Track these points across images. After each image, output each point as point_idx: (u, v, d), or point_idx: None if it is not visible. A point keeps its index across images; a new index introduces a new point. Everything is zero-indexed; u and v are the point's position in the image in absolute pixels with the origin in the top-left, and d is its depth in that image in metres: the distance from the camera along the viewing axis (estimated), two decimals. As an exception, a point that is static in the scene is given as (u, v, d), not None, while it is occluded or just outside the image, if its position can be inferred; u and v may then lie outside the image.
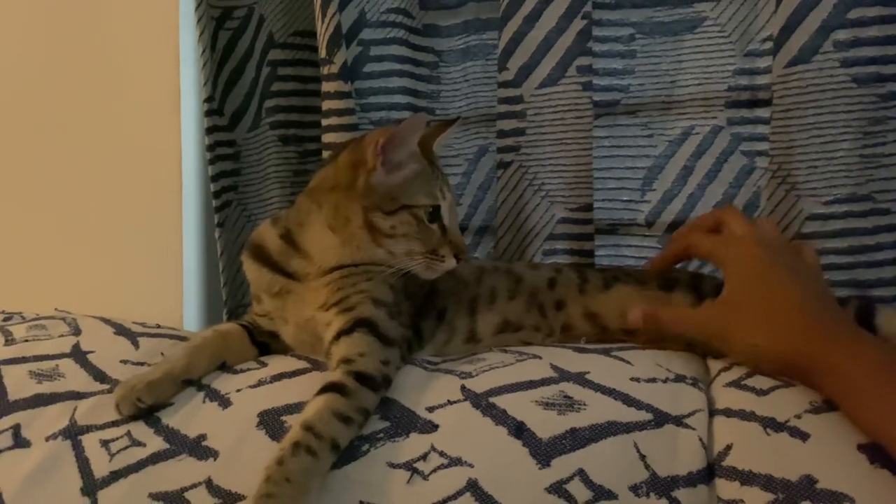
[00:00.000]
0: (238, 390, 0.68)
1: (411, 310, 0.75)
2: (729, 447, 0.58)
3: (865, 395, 0.56)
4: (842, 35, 0.79)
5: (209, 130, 1.04)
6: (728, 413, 0.60)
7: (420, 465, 0.59)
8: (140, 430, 0.66)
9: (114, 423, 0.67)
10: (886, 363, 0.57)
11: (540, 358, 0.68)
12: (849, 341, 0.60)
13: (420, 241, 0.73)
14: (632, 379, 0.64)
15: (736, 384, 0.63)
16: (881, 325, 0.72)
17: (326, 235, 0.73)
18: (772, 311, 0.64)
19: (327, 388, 0.62)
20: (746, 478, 0.55)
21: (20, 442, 0.67)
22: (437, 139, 0.80)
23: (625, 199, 0.94)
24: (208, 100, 1.04)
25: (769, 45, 0.87)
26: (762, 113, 0.88)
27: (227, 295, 1.05)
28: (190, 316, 1.04)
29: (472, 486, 0.57)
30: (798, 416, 0.58)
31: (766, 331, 0.64)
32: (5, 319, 0.86)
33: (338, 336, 0.68)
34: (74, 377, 0.73)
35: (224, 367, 0.72)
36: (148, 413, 0.67)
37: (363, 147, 0.74)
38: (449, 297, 0.78)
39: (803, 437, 0.56)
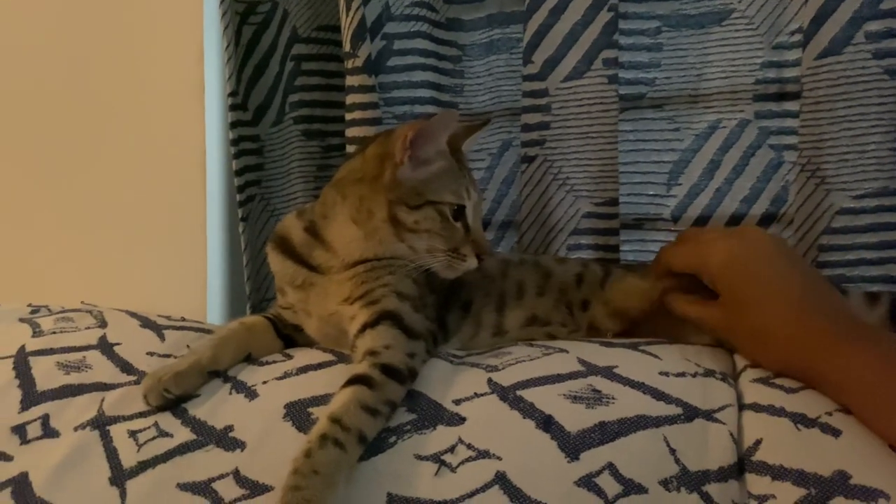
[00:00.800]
0: (264, 382, 0.68)
1: (437, 303, 0.74)
2: (759, 442, 0.57)
3: (870, 400, 0.56)
4: (874, 26, 0.77)
5: (233, 125, 1.05)
6: (757, 408, 0.60)
7: (448, 458, 0.58)
8: (167, 421, 0.66)
9: (141, 414, 0.67)
10: (883, 362, 0.56)
11: (567, 352, 0.68)
12: (844, 345, 0.59)
13: (443, 239, 0.72)
14: (660, 373, 0.64)
15: (764, 381, 0.63)
16: None
17: (350, 228, 0.73)
18: (758, 328, 0.64)
19: (354, 381, 0.62)
20: (778, 473, 0.54)
21: (49, 432, 0.67)
22: (467, 140, 0.80)
23: (650, 193, 0.94)
24: (232, 94, 1.04)
25: (798, 37, 0.86)
26: (790, 106, 0.88)
27: (250, 289, 1.05)
28: (214, 310, 1.04)
29: (501, 479, 0.56)
30: (829, 414, 0.57)
31: (759, 351, 0.65)
32: (32, 312, 0.87)
33: (363, 329, 0.68)
34: (101, 368, 0.73)
35: (250, 360, 0.72)
36: (175, 404, 0.67)
37: (392, 140, 0.73)
38: (474, 290, 0.78)
39: (835, 433, 0.56)
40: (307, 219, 0.77)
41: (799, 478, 0.53)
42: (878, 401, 0.56)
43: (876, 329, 0.67)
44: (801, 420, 0.57)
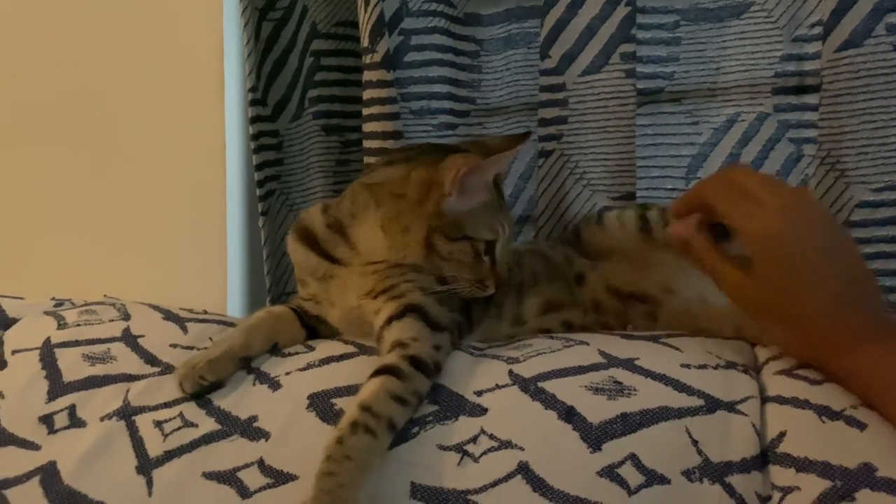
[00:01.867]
0: (287, 373, 0.69)
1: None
2: (783, 434, 0.57)
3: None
4: (895, 18, 0.77)
5: (253, 120, 1.05)
6: (781, 400, 0.60)
7: (470, 448, 0.59)
8: (192, 411, 0.67)
9: (166, 405, 0.68)
10: None
11: (587, 344, 0.68)
12: (877, 342, 0.57)
13: (470, 270, 0.74)
14: (682, 365, 0.64)
15: (787, 373, 0.63)
16: None
17: (378, 234, 0.74)
18: (794, 320, 0.60)
19: (382, 371, 0.63)
20: (802, 465, 0.54)
21: (76, 422, 0.68)
22: (509, 160, 0.81)
23: (669, 187, 0.93)
24: (252, 90, 1.05)
25: (817, 30, 0.85)
26: (810, 99, 0.87)
27: (270, 282, 1.06)
28: (234, 303, 1.05)
29: (524, 469, 0.57)
30: (854, 407, 0.57)
31: (789, 339, 0.62)
32: (56, 305, 0.88)
33: (389, 321, 0.69)
34: (126, 360, 0.74)
35: (276, 349, 0.73)
36: (210, 390, 0.68)
37: (443, 170, 0.73)
38: None
39: (860, 426, 0.55)
40: (332, 215, 0.77)
41: (824, 470, 0.53)
42: None
43: None
44: (825, 412, 0.57)
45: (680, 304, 0.77)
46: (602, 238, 0.84)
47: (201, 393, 0.68)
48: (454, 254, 0.73)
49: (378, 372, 0.63)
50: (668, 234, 0.73)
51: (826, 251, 0.59)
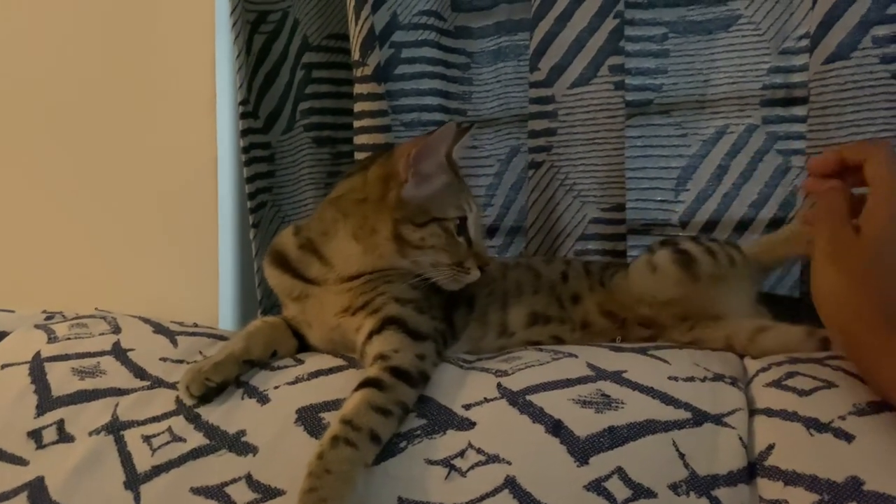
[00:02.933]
0: (276, 387, 0.69)
1: (442, 302, 0.75)
2: (771, 447, 0.57)
3: None
4: (881, 31, 0.78)
5: (244, 133, 1.06)
6: (769, 413, 0.60)
7: (457, 462, 0.59)
8: (181, 425, 0.67)
9: (155, 419, 0.68)
10: None
11: (576, 356, 0.68)
12: None
13: (447, 253, 0.74)
14: (669, 378, 0.64)
15: (776, 384, 0.63)
16: None
17: (351, 244, 0.75)
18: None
19: (364, 384, 0.63)
20: (790, 478, 0.54)
21: (65, 437, 0.68)
22: (454, 147, 0.80)
23: (658, 199, 0.94)
24: (243, 102, 1.05)
25: (805, 42, 0.86)
26: (798, 111, 0.88)
27: (261, 294, 1.06)
28: (225, 316, 1.05)
29: (511, 484, 0.57)
30: (842, 418, 0.57)
31: (879, 317, 0.56)
32: (47, 319, 0.88)
33: (369, 336, 0.70)
34: (116, 374, 0.74)
35: (263, 365, 0.73)
36: (216, 392, 0.69)
37: (394, 160, 0.74)
38: (476, 287, 0.79)
39: (848, 438, 0.56)
40: (304, 236, 0.78)
41: (811, 483, 0.53)
42: None
43: None
44: (813, 425, 0.57)
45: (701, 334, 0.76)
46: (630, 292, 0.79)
47: (208, 395, 0.68)
48: (426, 239, 0.73)
49: (360, 385, 0.63)
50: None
51: None
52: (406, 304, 0.72)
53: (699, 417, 0.60)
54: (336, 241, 0.75)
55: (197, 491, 0.61)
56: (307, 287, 0.76)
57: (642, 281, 0.77)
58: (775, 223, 0.90)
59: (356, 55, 0.94)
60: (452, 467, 0.59)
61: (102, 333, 0.81)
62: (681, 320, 0.77)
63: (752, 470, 0.57)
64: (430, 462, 0.59)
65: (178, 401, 0.69)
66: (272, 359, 0.74)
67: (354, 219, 0.75)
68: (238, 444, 0.64)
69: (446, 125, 0.73)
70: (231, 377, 0.70)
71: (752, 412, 0.61)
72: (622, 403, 0.61)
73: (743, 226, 0.91)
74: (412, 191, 0.73)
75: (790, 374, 0.63)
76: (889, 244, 0.57)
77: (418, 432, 0.61)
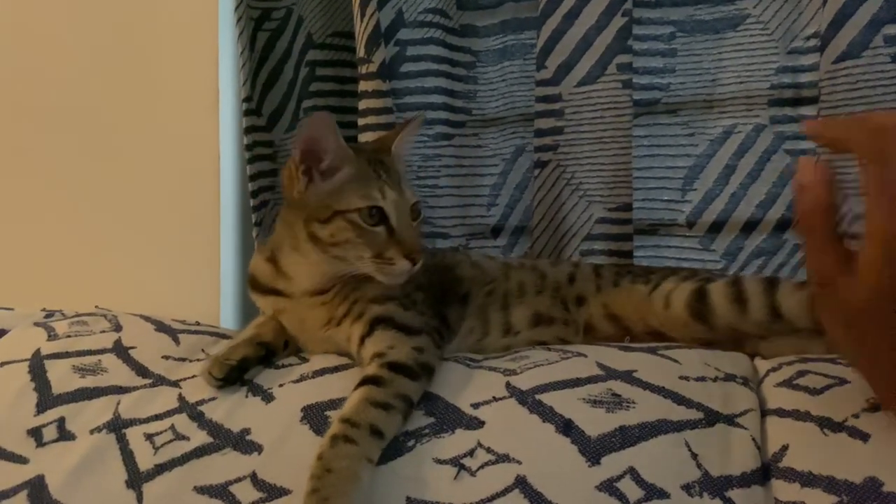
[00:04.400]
0: (280, 385, 0.68)
1: (429, 299, 0.74)
2: (785, 447, 0.56)
3: None
4: (893, 30, 0.77)
5: (247, 131, 1.05)
6: (781, 413, 0.59)
7: (467, 462, 0.58)
8: (184, 423, 0.66)
9: (157, 417, 0.67)
10: None
11: (585, 356, 0.67)
12: None
13: (364, 246, 0.70)
14: (680, 377, 0.63)
15: (787, 384, 0.62)
16: None
17: (294, 255, 0.74)
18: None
19: (363, 382, 0.63)
20: (807, 479, 0.54)
21: (65, 435, 0.67)
22: (397, 139, 0.78)
23: (665, 198, 0.93)
24: (247, 100, 1.04)
25: (814, 42, 0.86)
26: (806, 111, 0.87)
27: (263, 294, 1.05)
28: (227, 314, 1.04)
29: (521, 483, 0.56)
30: (856, 416, 0.56)
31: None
32: (47, 317, 0.87)
33: (362, 341, 0.69)
34: (117, 372, 0.73)
35: (268, 363, 0.72)
36: (238, 373, 0.69)
37: (289, 159, 0.74)
38: (471, 284, 0.79)
39: (863, 437, 0.55)
40: (269, 249, 0.77)
41: (829, 485, 0.53)
42: None
43: None
44: (827, 424, 0.56)
45: None
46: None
47: (231, 376, 0.68)
48: (335, 235, 0.70)
49: (359, 384, 0.63)
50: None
51: None
52: (386, 302, 0.71)
53: (711, 417, 0.59)
54: (284, 253, 0.75)
55: (201, 490, 0.60)
56: (278, 300, 0.75)
57: (654, 310, 0.74)
58: (783, 224, 0.89)
59: (361, 52, 0.94)
60: (462, 467, 0.58)
61: (103, 331, 0.80)
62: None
63: (767, 471, 0.56)
64: (439, 461, 0.58)
65: (181, 398, 0.68)
66: (285, 350, 0.74)
67: (288, 228, 0.74)
68: (242, 443, 0.63)
69: (316, 114, 0.70)
70: (250, 356, 0.70)
71: (764, 413, 0.60)
72: (633, 403, 0.60)
73: (750, 227, 0.90)
74: (315, 187, 0.72)
75: (801, 373, 0.62)
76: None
77: (426, 431, 0.60)
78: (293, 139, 0.73)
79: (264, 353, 0.72)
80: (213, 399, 0.68)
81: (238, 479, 0.60)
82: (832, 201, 0.49)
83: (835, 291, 0.48)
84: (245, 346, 0.71)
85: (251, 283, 0.79)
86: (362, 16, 0.93)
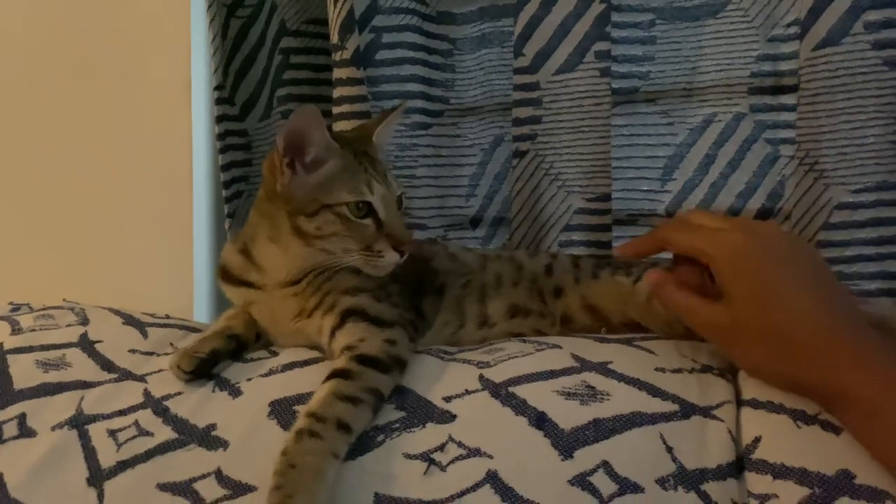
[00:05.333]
0: (248, 380, 0.66)
1: (404, 291, 0.73)
2: (758, 439, 0.55)
3: (879, 422, 0.50)
4: (873, 16, 0.76)
5: (220, 119, 1.03)
6: (755, 404, 0.58)
7: (438, 456, 0.56)
8: (148, 419, 0.64)
9: (121, 413, 0.65)
10: None
11: (560, 348, 0.66)
12: (865, 362, 0.52)
13: (352, 239, 0.70)
14: (656, 369, 0.62)
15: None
16: None
17: (270, 247, 0.73)
18: (771, 331, 0.55)
19: (332, 375, 0.61)
20: (779, 471, 0.53)
21: (26, 431, 0.65)
22: (377, 130, 0.77)
23: (644, 188, 0.92)
24: (219, 88, 1.02)
25: (794, 29, 0.85)
26: (786, 100, 0.86)
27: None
28: (200, 307, 1.02)
29: (492, 478, 0.54)
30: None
31: (765, 353, 0.56)
32: (13, 310, 0.85)
33: (333, 333, 0.68)
34: (81, 366, 0.71)
35: (239, 357, 0.71)
36: (207, 366, 0.67)
37: (272, 151, 0.72)
38: (447, 276, 0.78)
39: (835, 430, 0.54)
40: (241, 241, 0.76)
41: (802, 477, 0.52)
42: None
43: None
44: (800, 417, 0.55)
45: None
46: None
47: (201, 368, 0.67)
48: (322, 228, 0.69)
49: (327, 378, 0.61)
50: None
51: (800, 268, 0.56)
52: (359, 293, 0.70)
53: (687, 410, 0.58)
54: (259, 244, 0.74)
55: (163, 487, 0.59)
56: (249, 292, 0.74)
57: (636, 302, 0.73)
58: (764, 213, 0.88)
59: (335, 38, 0.92)
60: (432, 461, 0.56)
61: (69, 325, 0.78)
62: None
63: (741, 463, 0.55)
64: (409, 456, 0.57)
65: (147, 393, 0.67)
66: (257, 343, 0.73)
67: (265, 219, 0.73)
68: (208, 439, 0.61)
69: (303, 107, 0.69)
70: (221, 349, 0.69)
71: (739, 403, 0.59)
72: (608, 395, 0.59)
73: (731, 216, 0.89)
74: (299, 180, 0.70)
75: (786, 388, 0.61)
76: (739, 276, 0.57)
77: (396, 425, 0.59)
78: (277, 131, 0.70)
79: (235, 346, 0.71)
80: (179, 394, 0.66)
81: (202, 476, 0.59)
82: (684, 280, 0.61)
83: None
84: (215, 339, 0.69)
85: (222, 275, 0.77)
86: (335, 1, 0.91)
